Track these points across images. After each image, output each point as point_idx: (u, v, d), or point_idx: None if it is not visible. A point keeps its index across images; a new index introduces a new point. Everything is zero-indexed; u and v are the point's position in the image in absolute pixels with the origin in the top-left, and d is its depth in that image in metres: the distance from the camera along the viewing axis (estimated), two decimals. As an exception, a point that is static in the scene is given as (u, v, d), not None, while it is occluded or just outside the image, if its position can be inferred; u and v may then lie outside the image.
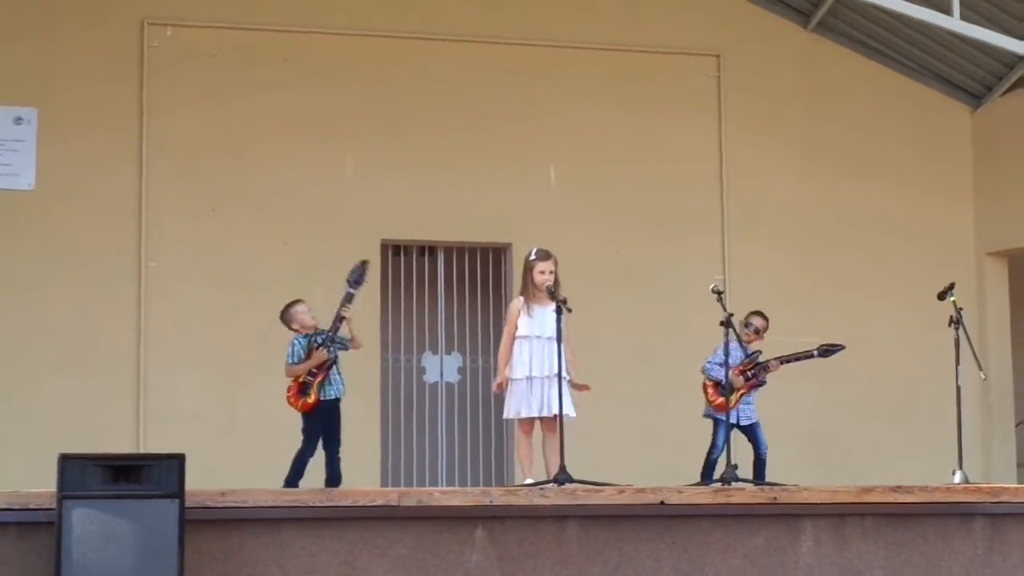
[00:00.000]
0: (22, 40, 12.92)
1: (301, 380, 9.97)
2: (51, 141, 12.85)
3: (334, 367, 10.02)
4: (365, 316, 12.99)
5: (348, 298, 9.93)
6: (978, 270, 14.61)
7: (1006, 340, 14.69)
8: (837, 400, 14.04)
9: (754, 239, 14.07)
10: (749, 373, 10.57)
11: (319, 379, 9.94)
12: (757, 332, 10.82)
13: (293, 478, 9.84)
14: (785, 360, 10.71)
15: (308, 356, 9.97)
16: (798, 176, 14.33)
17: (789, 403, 13.48)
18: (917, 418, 13.90)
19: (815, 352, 10.75)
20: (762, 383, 10.74)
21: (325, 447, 10.01)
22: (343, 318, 9.94)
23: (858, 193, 14.40)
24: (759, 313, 10.86)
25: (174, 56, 13.12)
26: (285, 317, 10.20)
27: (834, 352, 10.80)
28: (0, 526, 7.18)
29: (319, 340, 9.97)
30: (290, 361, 10.04)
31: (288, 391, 10.01)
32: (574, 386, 9.56)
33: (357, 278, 9.98)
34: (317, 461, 9.98)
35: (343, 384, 10.07)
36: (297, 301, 10.22)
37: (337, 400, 10.06)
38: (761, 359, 10.62)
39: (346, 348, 10.11)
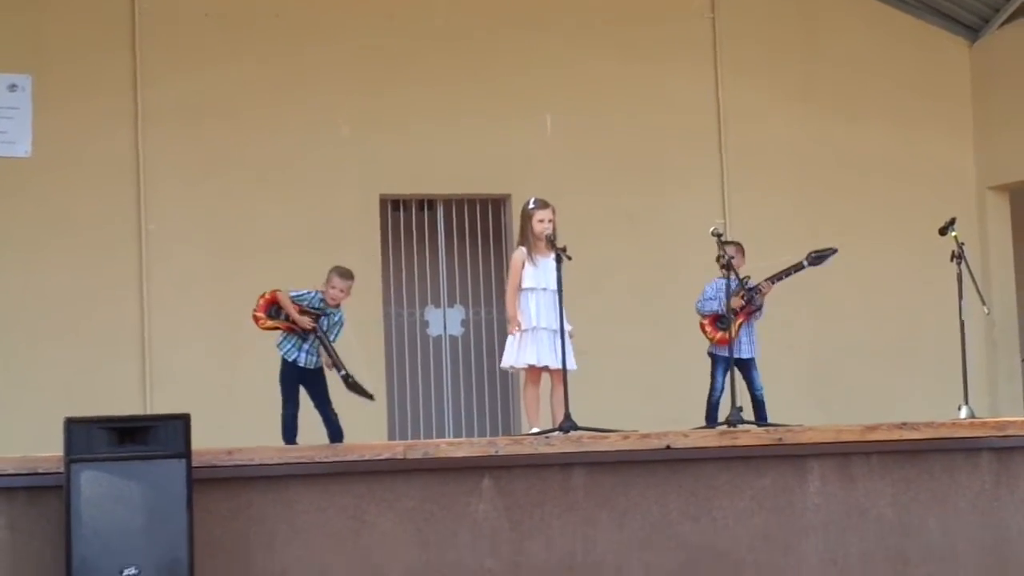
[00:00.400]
0: (15, 7, 12.87)
1: (281, 312, 9.96)
2: (47, 108, 12.81)
3: (309, 340, 9.98)
4: (367, 272, 13.03)
5: (334, 366, 9.92)
6: (979, 205, 14.60)
7: (1009, 275, 14.69)
8: (840, 340, 14.07)
9: (753, 183, 14.05)
10: (742, 299, 10.35)
11: (284, 328, 9.92)
12: (724, 267, 10.53)
13: (285, 436, 9.87)
14: (776, 278, 10.39)
15: (303, 312, 9.95)
16: (796, 118, 14.30)
17: (792, 344, 13.55)
18: (922, 356, 13.92)
19: (805, 262, 10.32)
20: (758, 308, 10.51)
21: (317, 409, 10.04)
22: (325, 360, 9.95)
23: (857, 133, 14.37)
24: (730, 243, 10.49)
25: (166, 18, 13.07)
26: (328, 276, 10.09)
27: (825, 257, 10.33)
28: (10, 491, 7.19)
29: (323, 324, 9.92)
30: (291, 293, 9.99)
31: (260, 300, 10.00)
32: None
33: (351, 385, 9.93)
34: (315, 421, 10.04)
35: (317, 357, 9.98)
36: (349, 275, 10.08)
37: (310, 368, 10.01)
38: (751, 283, 10.38)
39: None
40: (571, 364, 9.38)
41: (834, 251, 10.35)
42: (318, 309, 9.96)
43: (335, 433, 9.98)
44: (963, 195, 14.48)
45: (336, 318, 10.04)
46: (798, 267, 10.37)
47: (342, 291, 10.03)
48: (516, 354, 9.57)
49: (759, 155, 14.13)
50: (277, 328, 9.97)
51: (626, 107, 13.93)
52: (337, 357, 9.89)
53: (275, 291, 10.00)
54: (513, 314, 9.56)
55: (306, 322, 9.90)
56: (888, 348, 14.16)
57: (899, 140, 14.46)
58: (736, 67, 14.19)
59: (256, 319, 10.00)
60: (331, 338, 9.98)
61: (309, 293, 10.02)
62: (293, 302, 9.94)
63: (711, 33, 14.22)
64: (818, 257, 10.34)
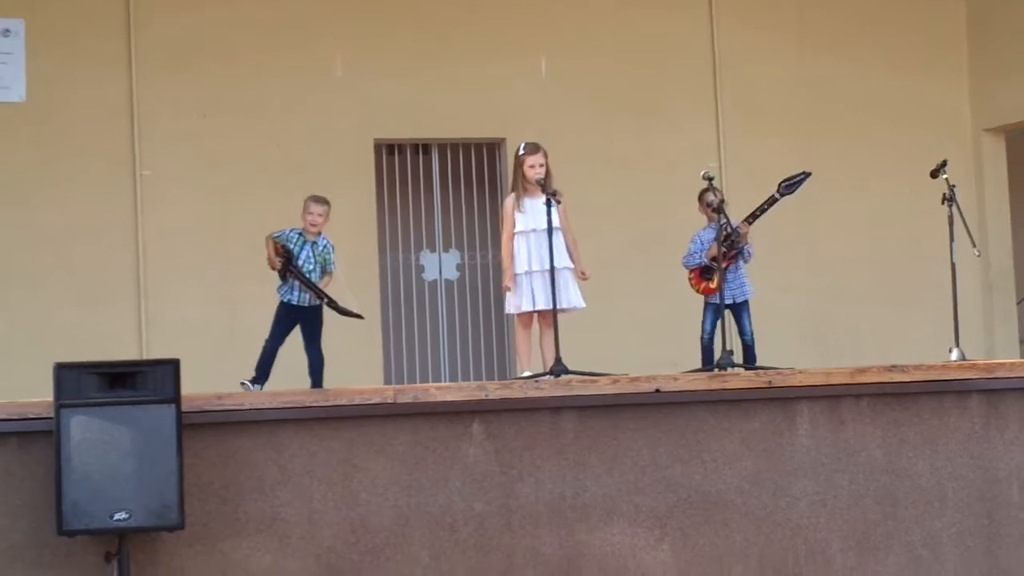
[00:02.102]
0: (5, -49, 12.86)
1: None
2: (40, 52, 12.79)
3: (289, 279, 10.01)
4: (361, 217, 13.06)
5: (320, 296, 9.95)
6: (975, 147, 14.57)
7: (1005, 217, 14.68)
8: (837, 281, 14.07)
9: (748, 127, 14.02)
10: (724, 248, 10.22)
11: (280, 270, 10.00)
12: (709, 206, 10.42)
13: (259, 366, 9.93)
14: (752, 217, 10.19)
15: (277, 253, 9.99)
16: (791, 62, 14.26)
17: (785, 286, 13.56)
18: (918, 297, 13.90)
19: (777, 194, 10.08)
20: (740, 251, 10.36)
21: (305, 349, 10.12)
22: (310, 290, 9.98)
23: (852, 76, 14.32)
24: (708, 189, 10.30)
25: (158, -40, 13.06)
26: (304, 204, 10.18)
27: (797, 183, 10.05)
28: (1, 436, 7.23)
29: (291, 265, 9.94)
30: (275, 234, 10.11)
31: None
32: (580, 274, 9.61)
33: (338, 311, 9.99)
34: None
35: (306, 295, 10.04)
36: (319, 200, 10.16)
37: (303, 306, 10.07)
38: (729, 229, 10.19)
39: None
40: (579, 301, 9.51)
41: (806, 175, 10.12)
42: (296, 245, 9.99)
43: (316, 383, 10.00)
44: (959, 137, 14.47)
45: (321, 247, 10.07)
46: (771, 201, 10.15)
47: (320, 215, 10.09)
48: (508, 299, 9.62)
49: (754, 98, 14.10)
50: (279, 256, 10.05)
51: (621, 51, 13.89)
52: (315, 287, 9.94)
53: (266, 237, 10.08)
54: (506, 266, 9.60)
55: (274, 262, 9.96)
56: (884, 290, 14.17)
57: (895, 82, 14.42)
58: (732, 10, 14.14)
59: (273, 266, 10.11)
60: (329, 266, 10.05)
61: (286, 231, 10.07)
62: (274, 242, 10.01)
63: (706, -26, 14.18)
64: (789, 185, 10.10)
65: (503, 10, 13.66)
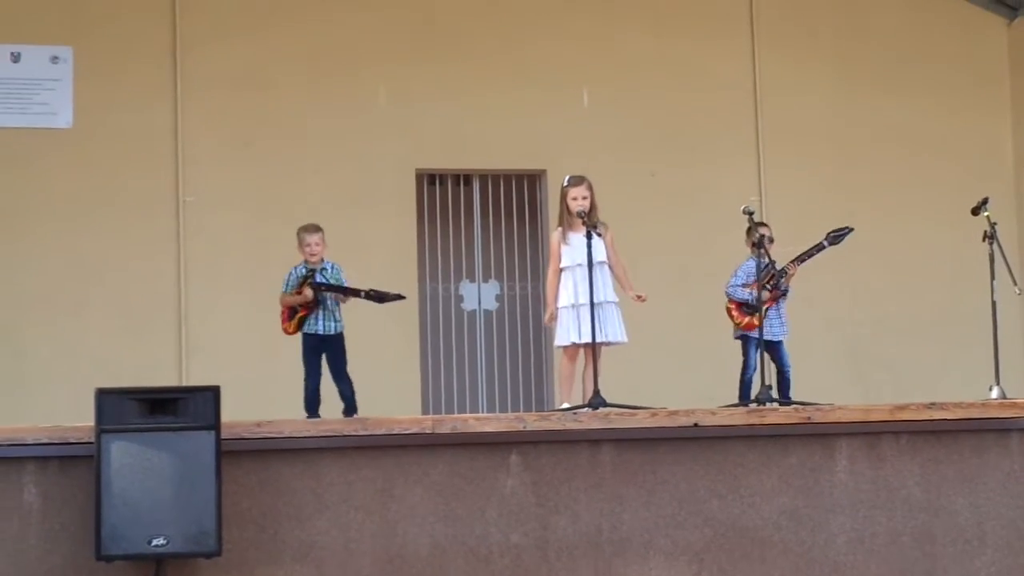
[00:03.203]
0: (56, -20, 12.99)
1: (294, 310, 10.12)
2: (87, 79, 12.93)
3: (322, 307, 10.03)
4: (402, 246, 13.10)
5: (354, 294, 9.98)
6: (1017, 183, 14.50)
7: (1046, 255, 14.59)
8: (876, 316, 14.04)
9: (789, 159, 14.02)
10: (769, 285, 10.40)
11: (302, 315, 10.01)
12: (756, 245, 10.61)
13: (307, 409, 9.95)
14: (799, 260, 10.51)
15: (299, 290, 10.03)
16: (833, 95, 14.25)
17: (827, 320, 13.54)
18: (958, 334, 13.84)
19: (825, 242, 10.46)
20: (784, 292, 10.59)
21: (334, 381, 10.15)
22: (337, 298, 9.98)
23: (893, 110, 14.31)
24: (760, 224, 10.55)
25: (205, -11, 13.18)
26: (298, 238, 10.23)
27: (842, 236, 10.47)
28: (42, 460, 7.28)
29: (314, 282, 9.99)
30: (283, 289, 10.18)
31: (281, 313, 10.24)
32: (636, 297, 9.62)
33: (375, 296, 9.98)
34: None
35: (337, 322, 10.10)
36: (312, 229, 10.21)
37: (330, 335, 10.11)
38: (776, 268, 10.43)
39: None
40: (622, 336, 9.52)
41: (850, 230, 10.48)
42: (307, 278, 10.03)
43: (348, 407, 10.04)
44: (1001, 173, 14.42)
45: (330, 271, 10.10)
46: (819, 247, 10.50)
47: (317, 244, 10.15)
48: (557, 333, 9.64)
49: (795, 131, 14.10)
50: (299, 314, 10.07)
51: (663, 82, 13.92)
52: (349, 288, 10.01)
53: (281, 306, 10.20)
54: (549, 301, 9.63)
55: (308, 295, 10.01)
56: (924, 326, 14.12)
57: (936, 117, 14.40)
58: (773, 42, 14.15)
59: (286, 331, 10.18)
60: (322, 291, 10.08)
61: (290, 274, 10.14)
62: (291, 292, 10.04)
63: (748, 8, 14.19)
64: (836, 236, 10.47)
65: (546, 41, 13.71)
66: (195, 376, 12.35)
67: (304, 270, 10.11)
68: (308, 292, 10.02)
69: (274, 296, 12.58)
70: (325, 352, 10.11)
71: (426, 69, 13.45)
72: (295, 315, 10.09)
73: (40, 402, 11.98)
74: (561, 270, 9.62)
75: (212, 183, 13.02)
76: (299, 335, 10.20)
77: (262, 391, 11.77)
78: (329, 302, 10.08)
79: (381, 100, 13.39)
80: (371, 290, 9.95)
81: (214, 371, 11.40)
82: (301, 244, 10.17)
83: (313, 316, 10.05)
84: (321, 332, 10.08)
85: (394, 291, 10.07)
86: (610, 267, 9.63)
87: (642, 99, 13.81)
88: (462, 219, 13.87)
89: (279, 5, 13.33)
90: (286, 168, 13.14)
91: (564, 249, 9.59)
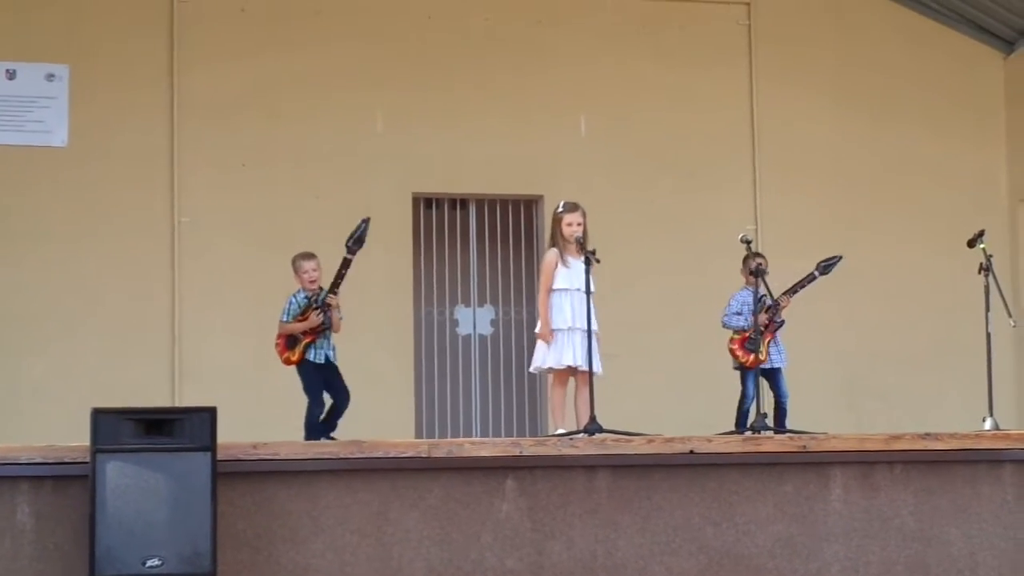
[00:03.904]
0: (54, -2, 13.00)
1: (295, 339, 10.03)
2: (83, 98, 12.92)
3: (326, 332, 10.02)
4: (398, 270, 13.10)
5: (345, 264, 9.86)
6: (1011, 216, 14.53)
7: (1039, 288, 14.63)
8: (869, 347, 14.05)
9: (785, 188, 14.05)
10: (764, 319, 10.49)
11: (308, 340, 9.97)
12: (752, 273, 10.63)
13: (308, 436, 9.90)
14: (792, 291, 10.63)
15: (304, 316, 9.99)
16: (829, 124, 14.28)
17: (821, 350, 13.53)
18: (952, 364, 13.86)
19: (816, 272, 10.63)
20: (781, 324, 10.70)
21: (332, 396, 10.08)
22: (329, 301, 9.95)
23: (890, 141, 14.35)
24: (756, 254, 10.55)
25: (204, 11, 13.16)
26: (294, 266, 10.21)
27: (832, 265, 10.65)
28: (37, 479, 7.26)
29: (318, 303, 9.97)
30: (283, 319, 10.06)
31: (277, 339, 10.08)
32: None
33: (357, 239, 9.88)
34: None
35: (334, 348, 10.06)
36: (308, 256, 10.14)
37: (333, 363, 10.08)
38: (769, 301, 10.51)
39: (330, 326, 10.07)
40: (596, 367, 9.39)
41: (839, 259, 10.68)
42: (310, 304, 10.00)
43: (336, 415, 10.00)
44: (995, 206, 14.44)
45: (324, 297, 10.05)
46: (811, 278, 10.67)
47: (315, 270, 10.08)
48: (546, 355, 9.60)
49: (792, 160, 14.13)
50: (304, 340, 10.03)
51: (660, 109, 13.95)
52: (340, 272, 9.87)
53: (278, 333, 10.08)
54: (544, 319, 9.60)
55: (314, 319, 9.95)
56: (918, 356, 14.12)
57: (932, 148, 14.44)
58: (770, 71, 14.19)
59: (287, 361, 10.07)
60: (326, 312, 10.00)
61: (290, 302, 10.08)
62: (293, 320, 10.00)
63: (746, 37, 14.22)
64: (827, 266, 10.67)
65: (543, 68, 13.73)
66: (188, 397, 12.32)
67: (304, 297, 10.07)
68: (315, 318, 9.97)
69: (269, 317, 12.59)
70: (327, 377, 10.09)
71: (423, 94, 13.46)
72: (296, 344, 10.02)
73: (33, 422, 11.92)
74: (557, 291, 9.61)
75: (207, 205, 13.01)
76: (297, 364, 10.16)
77: (255, 413, 11.76)
78: (327, 329, 10.05)
79: (378, 125, 13.41)
80: (348, 246, 9.82)
81: (207, 392, 11.38)
82: (298, 272, 10.12)
83: (317, 347, 10.01)
84: (331, 359, 10.05)
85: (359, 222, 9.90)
86: None
87: (639, 125, 13.84)
88: (458, 244, 13.88)
89: (277, 30, 13.34)
90: (282, 191, 13.15)
91: (562, 271, 9.58)
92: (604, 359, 9.57)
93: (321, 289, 10.06)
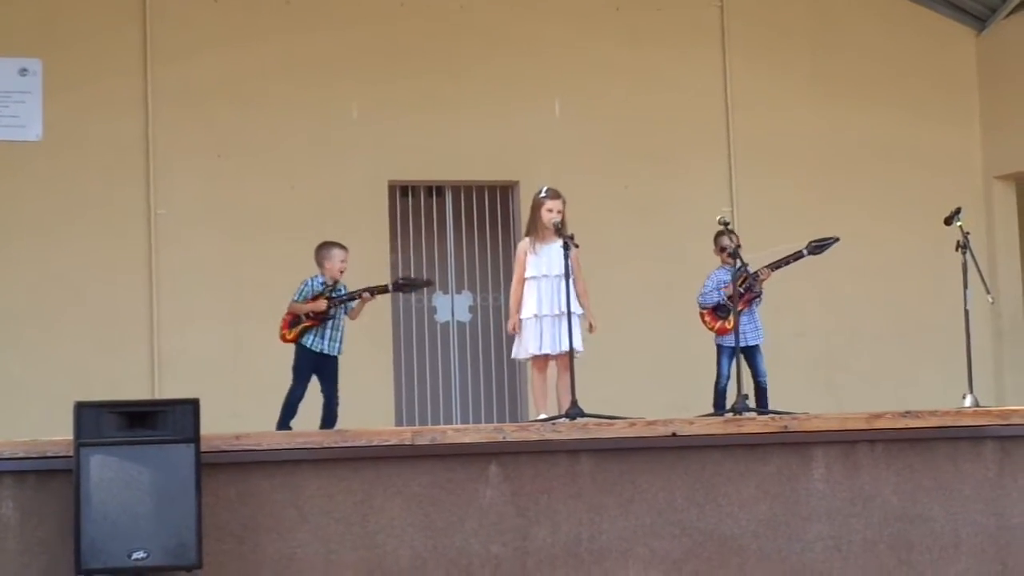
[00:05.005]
0: (25, -9, 12.94)
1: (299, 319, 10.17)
2: (57, 91, 12.88)
3: (331, 324, 10.09)
4: (375, 258, 13.09)
5: (383, 290, 10.21)
6: (986, 194, 14.61)
7: (1015, 264, 14.70)
8: (849, 327, 14.10)
9: (760, 170, 14.08)
10: (742, 289, 10.31)
11: (308, 324, 10.04)
12: (723, 250, 10.53)
13: (284, 419, 9.96)
14: (775, 266, 10.38)
15: (314, 300, 10.09)
16: (803, 105, 14.32)
17: (801, 331, 13.57)
18: (930, 343, 13.93)
19: (804, 251, 10.29)
20: (757, 295, 10.57)
21: (323, 392, 10.17)
22: (363, 298, 10.05)
23: (864, 121, 14.39)
24: (723, 233, 10.42)
25: (176, 1, 13.14)
26: (319, 254, 10.29)
27: (826, 246, 10.26)
28: (19, 474, 7.23)
29: (331, 295, 10.04)
30: (295, 298, 10.22)
31: (284, 316, 10.28)
32: (588, 327, 9.62)
33: (406, 285, 10.30)
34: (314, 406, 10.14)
35: (339, 344, 10.17)
36: (339, 246, 10.32)
37: (331, 355, 10.19)
38: (749, 270, 10.35)
39: (346, 312, 10.26)
40: (577, 346, 9.37)
41: (835, 240, 10.32)
42: (324, 291, 10.08)
43: (329, 417, 10.08)
44: (970, 184, 14.51)
45: (343, 291, 10.17)
46: (797, 255, 10.36)
47: (343, 261, 10.30)
48: (517, 346, 9.65)
49: (767, 142, 14.16)
50: (305, 328, 10.09)
51: (635, 93, 13.97)
52: (366, 289, 10.18)
53: (287, 311, 10.23)
54: (513, 311, 9.64)
55: (322, 305, 10.03)
56: (896, 335, 14.19)
57: (906, 128, 14.49)
58: (744, 53, 14.22)
59: (283, 337, 10.17)
60: (341, 303, 10.20)
61: (306, 285, 10.17)
62: (303, 301, 10.08)
63: (720, 19, 14.25)
64: (818, 246, 10.30)
65: (517, 53, 13.74)
66: (168, 389, 12.31)
67: (321, 283, 10.15)
68: (322, 303, 10.07)
69: (247, 307, 12.65)
70: (321, 370, 10.15)
71: (398, 81, 13.45)
72: (298, 324, 10.11)
73: (12, 416, 11.89)
74: (526, 279, 9.63)
75: (184, 196, 13.00)
76: (293, 345, 10.21)
77: (235, 404, 11.76)
78: (339, 320, 10.14)
79: (353, 113, 13.39)
80: (397, 280, 10.37)
81: (187, 384, 11.41)
82: (328, 259, 10.29)
83: (318, 333, 10.09)
84: (325, 351, 10.15)
85: (424, 277, 10.56)
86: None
87: (614, 109, 13.85)
88: (435, 230, 13.88)
89: (250, 19, 13.31)
90: (258, 181, 13.13)
91: (531, 259, 9.61)
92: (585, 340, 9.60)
93: (337, 282, 10.10)
